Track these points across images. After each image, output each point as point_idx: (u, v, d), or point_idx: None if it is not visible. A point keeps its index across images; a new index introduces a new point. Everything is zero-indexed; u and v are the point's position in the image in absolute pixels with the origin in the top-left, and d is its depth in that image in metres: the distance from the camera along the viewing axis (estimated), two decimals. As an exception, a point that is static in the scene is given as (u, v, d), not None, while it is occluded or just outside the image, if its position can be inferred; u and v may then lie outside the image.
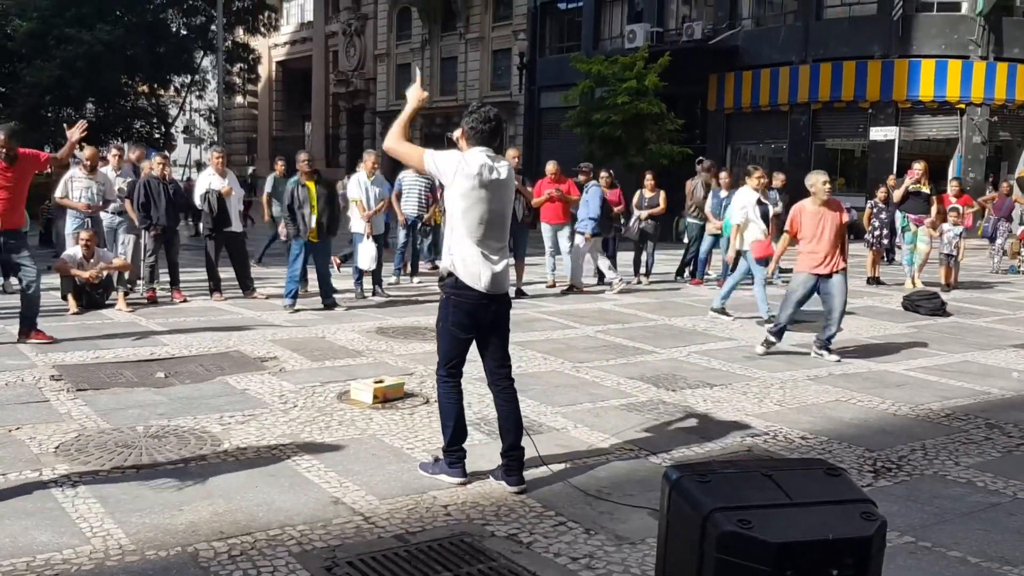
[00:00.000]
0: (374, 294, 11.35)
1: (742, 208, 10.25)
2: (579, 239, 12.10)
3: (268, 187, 13.71)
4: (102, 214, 11.05)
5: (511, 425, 4.71)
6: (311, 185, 10.08)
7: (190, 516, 4.12)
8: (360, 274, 11.22)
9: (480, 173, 4.50)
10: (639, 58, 24.44)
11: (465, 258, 4.53)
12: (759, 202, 10.39)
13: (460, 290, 4.56)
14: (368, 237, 10.94)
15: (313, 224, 10.01)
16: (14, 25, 36.38)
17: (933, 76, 23.76)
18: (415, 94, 4.87)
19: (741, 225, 10.24)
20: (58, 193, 11.00)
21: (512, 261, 4.55)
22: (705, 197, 13.38)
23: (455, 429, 4.73)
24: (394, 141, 4.72)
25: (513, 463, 4.61)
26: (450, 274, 4.58)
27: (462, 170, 4.49)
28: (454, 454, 4.70)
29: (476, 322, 4.69)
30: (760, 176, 10.57)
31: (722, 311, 10.14)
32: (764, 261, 9.80)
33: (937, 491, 4.75)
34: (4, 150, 7.55)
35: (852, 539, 2.54)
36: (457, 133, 4.76)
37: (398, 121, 4.77)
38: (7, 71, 37.42)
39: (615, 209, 13.07)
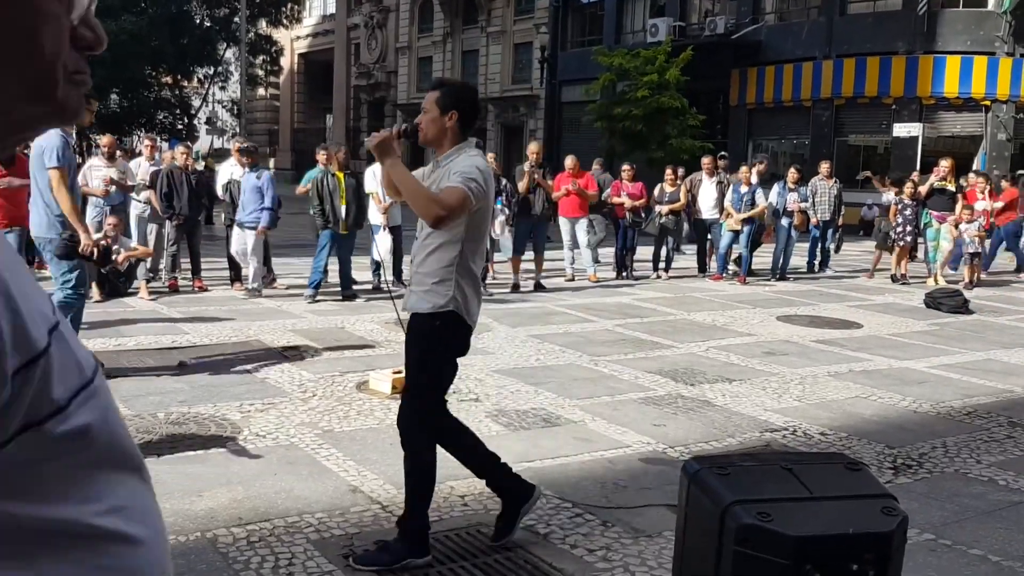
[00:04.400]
0: (393, 285, 11.37)
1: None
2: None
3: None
4: (132, 203, 11.14)
5: None
6: (340, 176, 10.14)
7: (209, 502, 4.15)
8: (378, 265, 11.25)
9: (492, 177, 3.82)
10: (661, 52, 24.35)
11: (468, 291, 3.67)
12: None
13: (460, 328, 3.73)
14: (385, 228, 10.97)
15: (343, 215, 10.08)
16: (39, 16, 36.65)
17: (958, 72, 23.52)
18: (371, 145, 3.66)
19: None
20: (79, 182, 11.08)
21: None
22: (723, 194, 13.31)
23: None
24: (426, 208, 3.53)
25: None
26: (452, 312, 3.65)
27: (489, 176, 3.68)
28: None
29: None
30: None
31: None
32: None
33: (958, 489, 4.71)
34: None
35: (872, 534, 2.51)
36: (430, 116, 3.67)
37: (408, 184, 3.61)
38: (32, 61, 37.73)
39: (637, 203, 13.04)
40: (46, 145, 5.92)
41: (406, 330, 3.77)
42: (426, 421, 3.72)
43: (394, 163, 3.60)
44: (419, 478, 3.69)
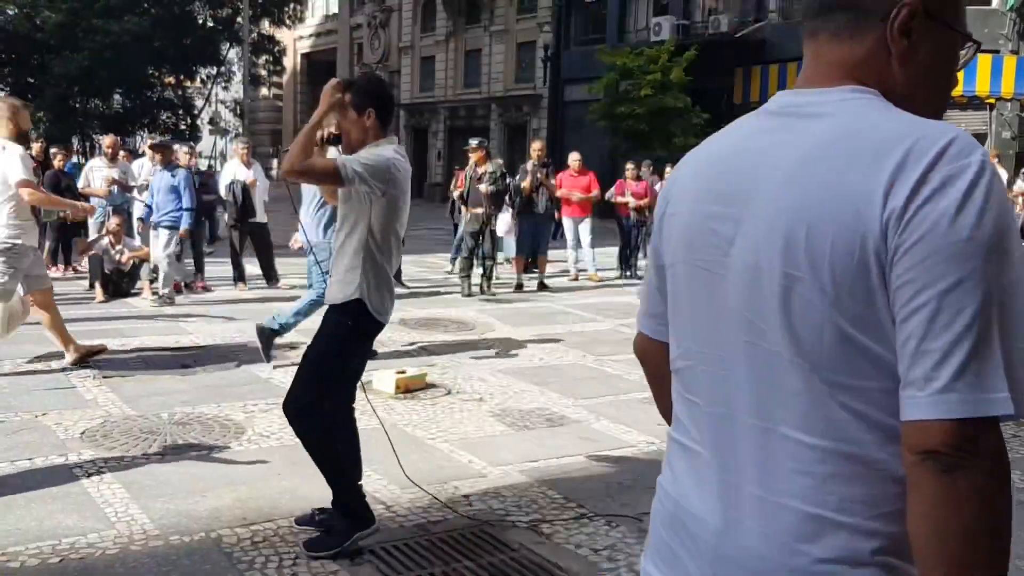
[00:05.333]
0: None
1: None
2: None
3: None
4: (136, 204, 11.15)
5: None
6: None
7: (213, 502, 4.15)
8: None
9: (408, 170, 3.73)
10: (665, 51, 24.32)
11: (375, 284, 3.65)
12: None
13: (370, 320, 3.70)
14: None
15: None
16: (43, 16, 36.75)
17: (963, 71, 23.43)
18: (325, 91, 3.67)
19: None
20: (80, 183, 11.12)
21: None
22: None
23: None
24: (295, 160, 3.52)
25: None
26: (359, 301, 3.62)
27: (402, 168, 3.66)
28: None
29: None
30: None
31: None
32: None
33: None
34: None
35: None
36: (349, 120, 3.66)
37: (300, 133, 3.61)
38: (36, 62, 37.85)
39: (641, 202, 13.02)
40: None
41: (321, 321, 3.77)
42: (316, 408, 3.67)
43: (316, 114, 3.62)
44: (324, 456, 3.69)
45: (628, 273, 13.20)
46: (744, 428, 1.20)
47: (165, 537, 3.77)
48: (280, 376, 6.59)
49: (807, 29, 1.32)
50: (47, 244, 11.95)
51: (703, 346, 1.27)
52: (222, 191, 11.35)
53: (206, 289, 10.71)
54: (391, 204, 3.62)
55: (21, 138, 6.10)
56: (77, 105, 38.51)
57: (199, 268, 10.88)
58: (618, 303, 10.67)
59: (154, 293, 9.98)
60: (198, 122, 43.89)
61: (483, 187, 10.71)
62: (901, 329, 1.05)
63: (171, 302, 9.59)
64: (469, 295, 10.74)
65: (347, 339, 3.68)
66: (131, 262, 10.09)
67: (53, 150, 12.22)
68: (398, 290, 11.62)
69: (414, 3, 41.68)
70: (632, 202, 12.97)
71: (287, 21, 43.99)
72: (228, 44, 41.43)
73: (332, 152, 3.93)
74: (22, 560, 3.51)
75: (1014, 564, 3.78)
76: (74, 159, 11.28)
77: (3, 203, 5.95)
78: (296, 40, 51.04)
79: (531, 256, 12.28)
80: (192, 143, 15.77)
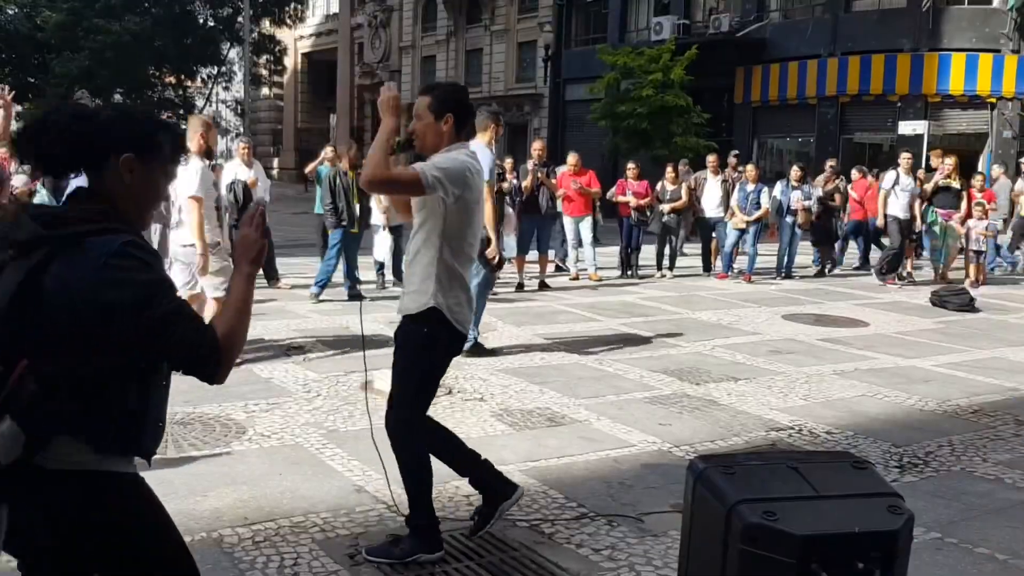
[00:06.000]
0: (393, 285, 11.35)
1: None
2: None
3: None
4: None
5: None
6: (352, 175, 10.17)
7: (215, 502, 4.15)
8: (381, 265, 11.26)
9: (481, 172, 3.74)
10: (665, 50, 24.31)
11: (452, 291, 3.63)
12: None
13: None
14: (385, 228, 10.97)
15: (358, 214, 10.12)
16: (44, 16, 36.77)
17: (963, 70, 23.45)
18: (384, 99, 3.55)
19: None
20: None
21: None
22: (728, 192, 13.33)
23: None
24: (377, 171, 3.48)
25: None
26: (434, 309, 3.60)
27: (476, 172, 3.66)
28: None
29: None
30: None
31: None
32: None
33: (964, 487, 4.69)
34: None
35: (879, 532, 2.51)
36: (425, 123, 3.59)
37: (375, 144, 3.51)
38: (37, 62, 37.89)
39: (642, 202, 13.03)
40: None
41: (395, 333, 3.72)
42: (414, 423, 3.68)
43: (387, 124, 3.49)
44: (415, 474, 3.67)
45: (628, 273, 13.20)
46: None
47: (166, 537, 3.77)
48: (280, 376, 6.59)
49: None
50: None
51: None
52: (223, 191, 11.33)
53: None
54: (464, 209, 3.55)
55: (206, 154, 6.71)
56: (78, 105, 38.51)
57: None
58: (618, 303, 10.67)
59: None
60: (199, 122, 43.82)
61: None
62: None
63: None
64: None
65: (428, 348, 3.62)
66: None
67: None
68: (399, 289, 11.63)
69: (415, 3, 41.68)
70: (633, 201, 12.97)
71: (288, 21, 43.95)
72: (229, 44, 41.40)
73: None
74: (23, 560, 3.51)
75: (1012, 564, 3.79)
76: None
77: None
78: (297, 40, 51.00)
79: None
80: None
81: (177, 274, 6.44)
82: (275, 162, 46.11)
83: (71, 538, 1.99)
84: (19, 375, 1.83)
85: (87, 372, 1.93)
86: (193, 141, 6.48)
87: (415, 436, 3.68)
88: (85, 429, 1.95)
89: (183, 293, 6.13)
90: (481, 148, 6.03)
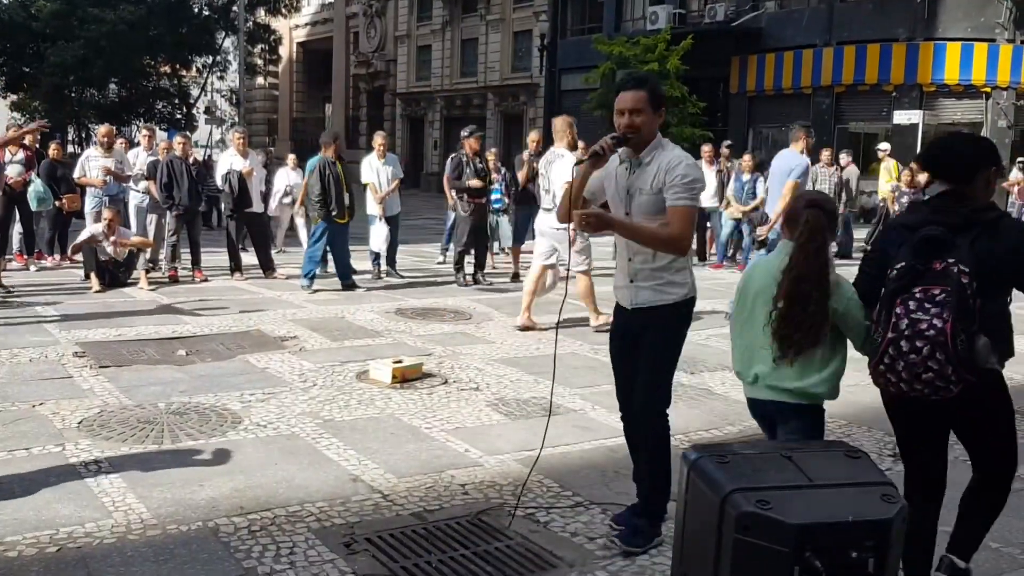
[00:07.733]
0: (388, 275, 11.36)
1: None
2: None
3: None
4: (131, 193, 11.14)
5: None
6: (340, 166, 10.14)
7: (211, 492, 4.16)
8: (376, 255, 11.25)
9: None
10: (661, 40, 24.28)
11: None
12: None
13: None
14: (381, 219, 10.96)
15: (348, 204, 10.09)
16: (38, 5, 36.59)
17: (959, 59, 23.44)
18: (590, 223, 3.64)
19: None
20: (76, 173, 11.12)
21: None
22: (723, 182, 13.34)
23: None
24: (644, 242, 3.68)
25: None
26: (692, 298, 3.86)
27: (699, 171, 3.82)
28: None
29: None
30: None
31: None
32: None
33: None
34: None
35: (872, 521, 2.52)
36: (645, 118, 3.62)
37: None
38: (32, 51, 37.71)
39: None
40: None
41: (642, 325, 3.80)
42: (665, 413, 3.83)
43: (620, 225, 3.67)
44: (661, 461, 3.79)
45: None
46: None
47: (163, 526, 3.78)
48: (276, 365, 6.60)
49: None
50: (45, 234, 11.94)
51: None
52: (218, 181, 11.33)
53: (203, 279, 10.69)
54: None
55: (572, 147, 8.14)
56: (73, 94, 38.37)
57: (196, 258, 10.87)
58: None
59: (150, 283, 9.98)
60: (194, 111, 43.78)
61: (474, 181, 10.83)
62: None
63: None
64: (465, 285, 10.77)
65: (682, 335, 3.86)
66: (126, 252, 10.08)
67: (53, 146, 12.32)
68: (394, 280, 11.60)
69: (410, -8, 41.53)
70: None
71: (283, 10, 43.80)
72: (224, 33, 41.25)
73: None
74: (20, 550, 3.53)
75: (1005, 552, 3.81)
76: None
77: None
78: (292, 29, 50.84)
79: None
80: (188, 132, 15.74)
81: (540, 246, 8.27)
82: (270, 151, 45.84)
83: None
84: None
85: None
86: (562, 139, 8.16)
87: (666, 425, 3.85)
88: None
89: (538, 263, 8.28)
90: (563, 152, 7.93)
